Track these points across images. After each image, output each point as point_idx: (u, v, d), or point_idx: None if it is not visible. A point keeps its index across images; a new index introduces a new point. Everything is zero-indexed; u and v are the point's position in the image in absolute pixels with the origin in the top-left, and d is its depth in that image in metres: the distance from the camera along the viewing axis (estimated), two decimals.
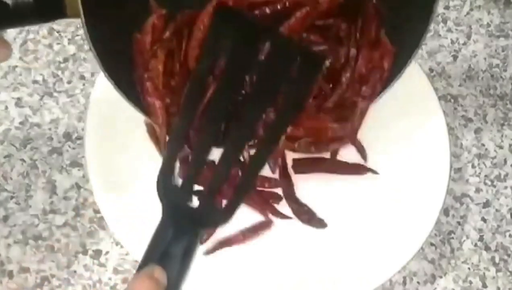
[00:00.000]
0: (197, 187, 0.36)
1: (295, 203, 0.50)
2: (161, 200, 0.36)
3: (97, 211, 0.52)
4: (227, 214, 0.35)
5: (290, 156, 0.52)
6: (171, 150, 0.37)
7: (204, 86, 0.40)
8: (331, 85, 0.48)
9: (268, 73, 0.40)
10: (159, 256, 0.34)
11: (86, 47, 0.59)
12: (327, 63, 0.48)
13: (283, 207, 0.51)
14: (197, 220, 0.35)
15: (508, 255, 0.54)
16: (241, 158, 0.46)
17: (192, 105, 0.39)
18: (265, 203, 0.50)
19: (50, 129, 0.56)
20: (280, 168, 0.51)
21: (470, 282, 0.52)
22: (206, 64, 0.40)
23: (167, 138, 0.47)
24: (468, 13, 0.64)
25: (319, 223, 0.50)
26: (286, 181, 0.50)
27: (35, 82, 0.58)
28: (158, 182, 0.36)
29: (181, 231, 0.35)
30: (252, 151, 0.39)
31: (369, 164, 0.52)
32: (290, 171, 0.51)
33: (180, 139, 0.38)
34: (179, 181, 0.36)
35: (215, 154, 0.37)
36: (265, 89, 0.40)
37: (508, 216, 0.55)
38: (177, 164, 0.37)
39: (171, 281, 0.33)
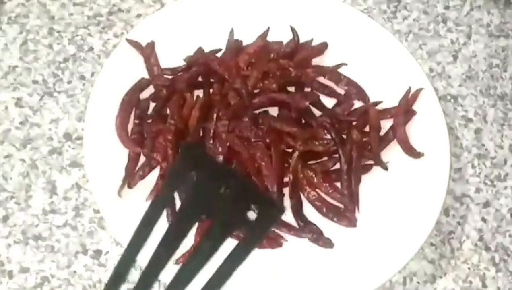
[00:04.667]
0: None
1: (303, 220, 0.50)
2: None
3: (97, 211, 0.52)
4: None
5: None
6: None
7: (159, 215, 0.46)
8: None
9: (225, 215, 0.45)
10: None
11: (86, 47, 0.59)
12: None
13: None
14: None
15: (508, 255, 0.54)
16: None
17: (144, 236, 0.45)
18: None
19: (50, 129, 0.56)
20: (289, 185, 0.50)
21: (470, 282, 0.52)
22: (167, 195, 0.46)
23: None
24: (468, 13, 0.64)
25: (326, 243, 0.49)
26: (295, 199, 0.50)
27: (35, 82, 0.58)
28: None
29: None
30: None
31: None
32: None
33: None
34: None
35: None
36: (220, 231, 0.45)
37: (508, 216, 0.55)
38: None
39: None
